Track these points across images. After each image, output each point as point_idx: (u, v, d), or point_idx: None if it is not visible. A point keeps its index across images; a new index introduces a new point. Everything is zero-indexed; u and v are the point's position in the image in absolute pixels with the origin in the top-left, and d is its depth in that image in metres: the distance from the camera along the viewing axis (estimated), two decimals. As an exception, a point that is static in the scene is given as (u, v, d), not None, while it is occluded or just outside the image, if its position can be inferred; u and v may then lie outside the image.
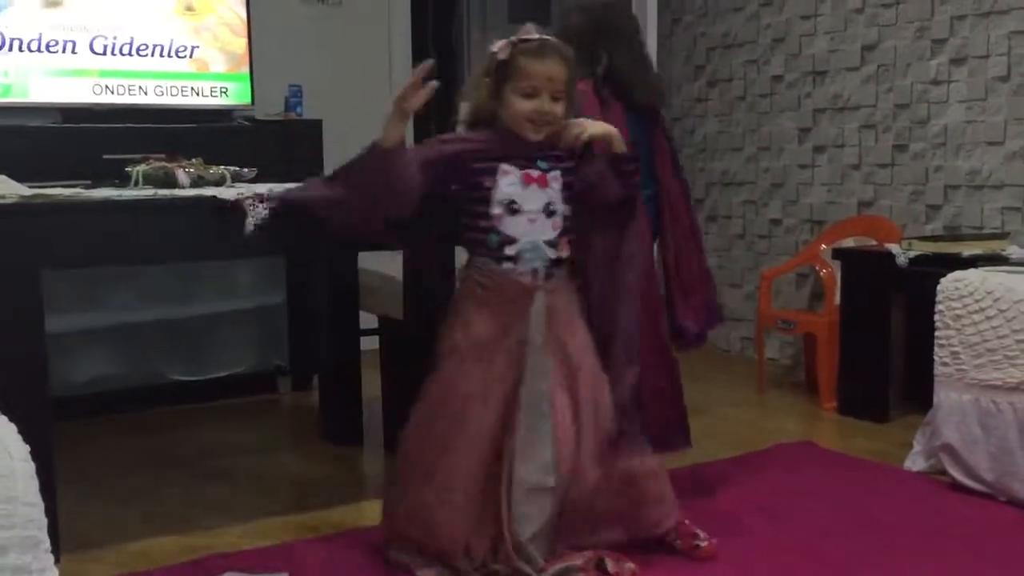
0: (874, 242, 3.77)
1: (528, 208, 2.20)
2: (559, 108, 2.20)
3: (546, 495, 2.19)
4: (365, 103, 4.09)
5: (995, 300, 2.70)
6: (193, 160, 2.72)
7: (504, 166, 2.20)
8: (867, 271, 3.54)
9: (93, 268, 3.38)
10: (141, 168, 2.62)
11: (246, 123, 4.04)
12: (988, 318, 2.70)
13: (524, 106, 2.18)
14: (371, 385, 3.40)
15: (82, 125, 3.68)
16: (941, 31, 3.80)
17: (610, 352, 2.32)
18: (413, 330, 2.84)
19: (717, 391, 4.02)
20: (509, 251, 2.20)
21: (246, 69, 4.08)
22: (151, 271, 3.72)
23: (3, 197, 2.26)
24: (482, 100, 2.25)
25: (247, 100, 4.09)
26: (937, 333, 2.83)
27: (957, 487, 2.75)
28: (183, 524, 2.61)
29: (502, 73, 2.19)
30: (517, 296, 2.21)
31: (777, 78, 4.46)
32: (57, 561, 1.55)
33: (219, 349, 3.89)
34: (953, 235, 3.66)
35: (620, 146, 2.28)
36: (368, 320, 3.36)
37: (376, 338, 3.37)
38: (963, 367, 2.75)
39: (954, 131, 3.78)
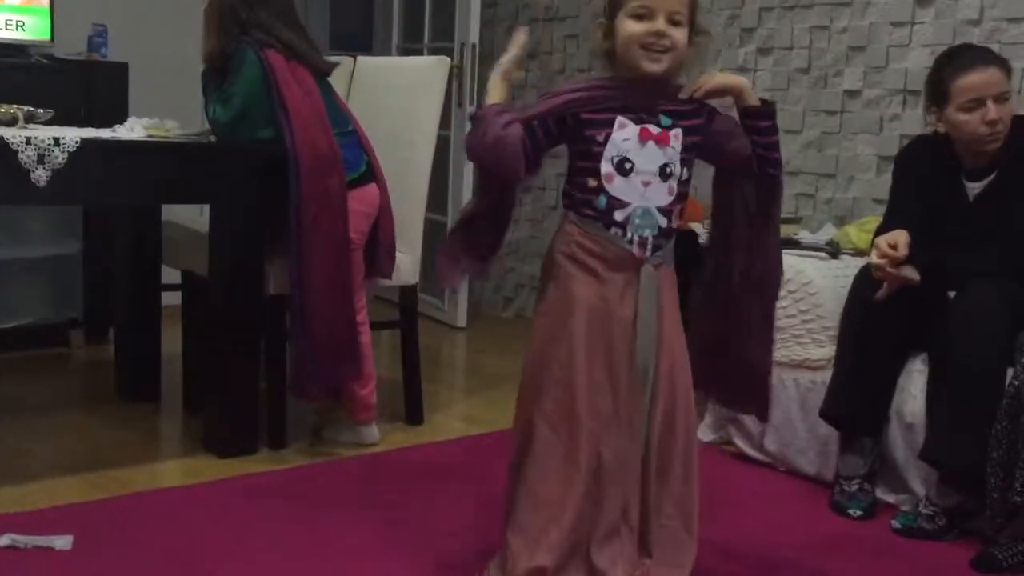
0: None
1: (643, 168, 1.91)
2: (678, 34, 1.88)
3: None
4: (172, 46, 3.92)
5: (786, 282, 2.84)
6: (-18, 97, 2.55)
7: (620, 118, 1.90)
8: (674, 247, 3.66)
9: None
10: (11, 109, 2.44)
11: (44, 61, 3.80)
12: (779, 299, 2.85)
13: (636, 28, 1.87)
14: (171, 343, 3.29)
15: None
16: (750, 21, 3.95)
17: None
18: (218, 287, 2.75)
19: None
20: (618, 216, 1.91)
21: (46, 3, 3.84)
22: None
23: None
24: (598, 43, 1.96)
25: (46, 36, 3.84)
26: (732, 310, 2.96)
27: (743, 457, 2.90)
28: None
29: (615, 4, 1.91)
30: (623, 264, 1.93)
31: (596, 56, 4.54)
32: None
33: (7, 299, 3.69)
34: (751, 217, 3.83)
35: (752, 98, 1.98)
36: (171, 276, 3.25)
37: (178, 294, 3.26)
38: (753, 344, 2.89)
39: (758, 118, 3.95)
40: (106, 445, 2.82)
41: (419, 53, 4.72)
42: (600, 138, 1.90)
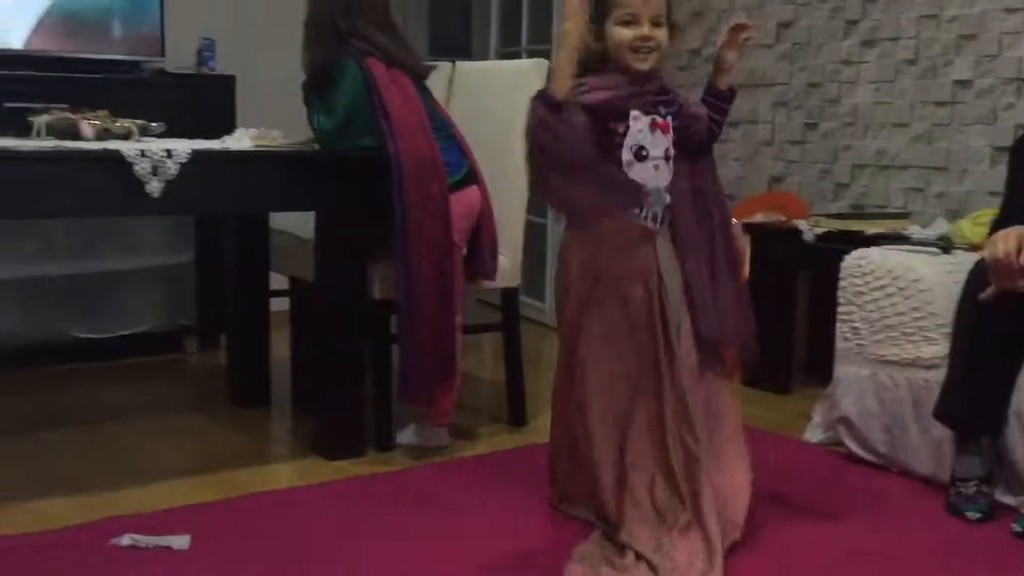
0: (783, 218, 3.84)
1: (654, 154, 2.22)
2: (661, 34, 2.20)
3: None
4: (279, 58, 4.00)
5: (894, 278, 2.78)
6: (99, 112, 2.65)
7: (634, 111, 2.20)
8: (775, 246, 3.61)
9: (-8, 220, 3.27)
10: (44, 119, 2.53)
11: (156, 75, 3.93)
12: (888, 295, 2.78)
13: (625, 34, 2.17)
14: (280, 347, 3.36)
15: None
16: (854, 12, 3.86)
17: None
18: (323, 292, 2.80)
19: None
20: None
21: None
22: (56, 225, 3.62)
23: None
24: (590, 44, 2.21)
25: (157, 52, 3.97)
26: (839, 309, 2.90)
27: (853, 458, 2.83)
28: (82, 485, 2.56)
29: (601, 8, 2.19)
30: (641, 239, 2.22)
31: (695, 52, 4.50)
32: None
33: (124, 307, 3.82)
34: (858, 213, 3.75)
35: (724, 83, 2.35)
36: (279, 282, 3.32)
37: (287, 300, 3.33)
38: (863, 342, 2.83)
39: (863, 111, 3.86)
40: (220, 448, 2.90)
41: (517, 56, 4.73)
42: (621, 129, 2.19)
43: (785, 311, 3.58)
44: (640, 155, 2.20)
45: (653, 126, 2.22)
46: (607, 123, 2.19)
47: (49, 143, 2.42)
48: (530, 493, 2.53)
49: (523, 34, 4.86)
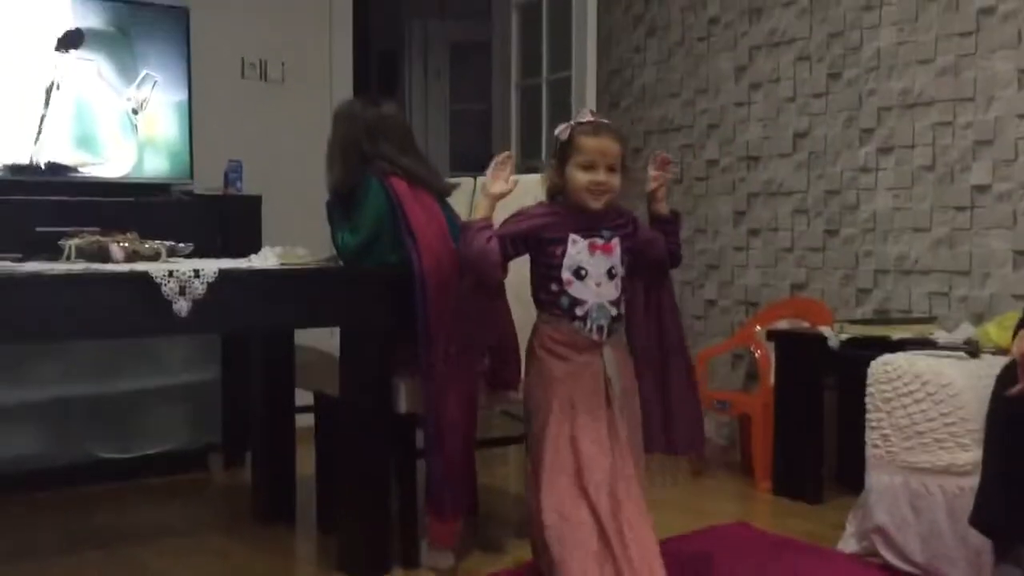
0: (807, 324, 3.84)
1: (594, 273, 2.48)
2: (614, 179, 2.49)
3: None
4: (304, 179, 4.09)
5: (923, 383, 2.75)
6: (128, 234, 2.70)
7: (573, 236, 2.48)
8: (800, 353, 3.59)
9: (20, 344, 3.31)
10: (74, 242, 2.59)
11: (184, 197, 4.02)
12: (917, 401, 2.75)
13: (583, 178, 2.46)
14: (305, 464, 3.35)
15: (15, 197, 3.63)
16: (869, 121, 3.92)
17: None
18: (348, 407, 2.80)
19: (653, 471, 4.02)
20: (579, 311, 2.48)
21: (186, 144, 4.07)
22: (80, 345, 3.65)
23: (-70, 269, 2.21)
24: (552, 179, 2.54)
25: (187, 175, 4.07)
26: (868, 415, 2.87)
27: (889, 569, 2.77)
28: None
29: (564, 152, 2.50)
30: (588, 348, 2.49)
31: (712, 162, 4.56)
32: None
33: (149, 426, 3.82)
34: (883, 319, 3.74)
35: (665, 209, 2.69)
36: (304, 398, 3.33)
37: (311, 416, 3.33)
38: (893, 449, 2.79)
39: (883, 217, 3.89)
40: (244, 568, 2.87)
41: (538, 170, 4.79)
42: (559, 252, 2.48)
43: (813, 419, 3.55)
44: (579, 274, 2.48)
45: (592, 248, 2.49)
46: (546, 248, 2.49)
47: (79, 266, 2.46)
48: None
49: (543, 147, 4.95)
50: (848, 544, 2.93)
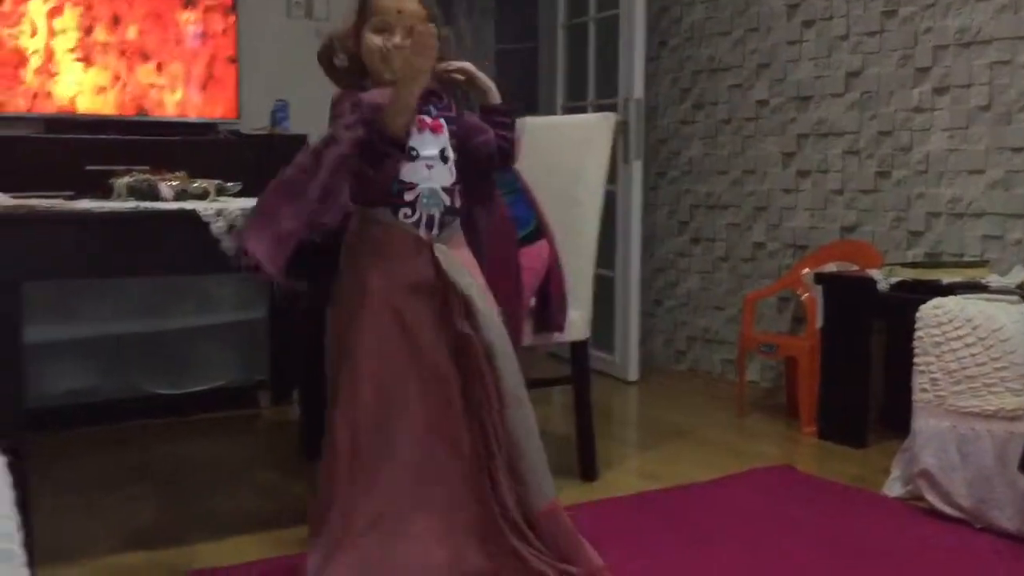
0: (856, 267, 3.79)
1: (425, 154, 2.13)
2: None
3: None
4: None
5: (974, 328, 2.72)
6: (177, 173, 2.72)
7: None
8: (848, 296, 3.56)
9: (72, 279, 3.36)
10: (124, 180, 2.61)
11: (232, 136, 4.04)
12: (967, 345, 2.72)
13: (375, 41, 2.12)
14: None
15: (65, 136, 3.67)
16: (924, 60, 3.83)
17: None
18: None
19: (698, 413, 4.03)
20: (408, 196, 2.10)
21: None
22: (131, 283, 3.70)
23: (-16, 207, 2.25)
24: (351, 50, 2.19)
25: (233, 114, 4.09)
26: (916, 360, 2.84)
27: (934, 513, 2.76)
28: (158, 539, 2.59)
29: (361, 17, 2.15)
30: (413, 251, 2.10)
31: (762, 103, 4.49)
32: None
33: (199, 363, 3.88)
34: (934, 262, 3.68)
35: (497, 98, 2.26)
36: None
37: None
38: (942, 393, 2.76)
39: (936, 159, 3.81)
40: (290, 504, 2.92)
41: (584, 111, 4.77)
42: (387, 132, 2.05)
43: (860, 362, 3.52)
44: (411, 154, 2.11)
45: (422, 125, 2.12)
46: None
47: (129, 204, 2.49)
48: (609, 548, 2.50)
49: (590, 89, 4.90)
50: (893, 488, 2.92)
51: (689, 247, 4.90)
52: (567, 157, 3.19)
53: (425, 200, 2.11)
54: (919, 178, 3.88)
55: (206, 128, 4.03)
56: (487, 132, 2.23)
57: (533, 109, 5.50)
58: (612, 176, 3.88)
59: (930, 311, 2.83)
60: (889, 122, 3.97)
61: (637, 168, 4.58)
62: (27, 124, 3.74)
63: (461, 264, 2.14)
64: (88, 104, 3.92)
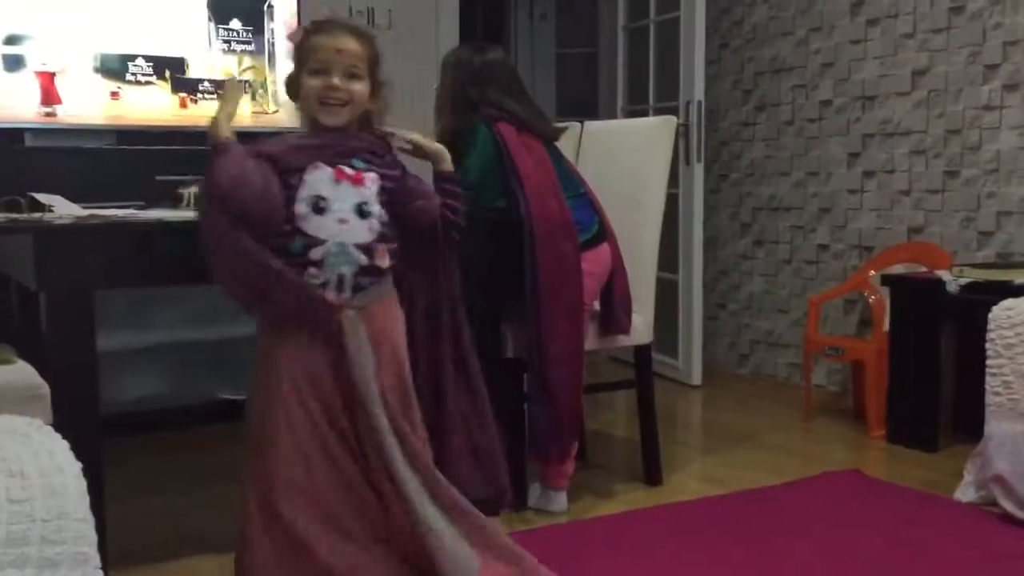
0: (924, 269, 3.73)
1: (337, 207, 1.96)
2: (357, 86, 2.01)
3: None
4: (412, 125, 4.12)
5: (1014, 324, 2.66)
6: (243, 182, 2.76)
7: (317, 163, 1.97)
8: (917, 298, 3.50)
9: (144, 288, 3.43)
10: (192, 190, 2.66)
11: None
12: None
13: (314, 84, 1.99)
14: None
15: (137, 147, 3.74)
16: (993, 56, 3.76)
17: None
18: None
19: (763, 418, 3.99)
20: (314, 255, 1.94)
21: (296, 92, 4.13)
22: (201, 290, 3.76)
23: (59, 218, 2.30)
24: (294, 97, 2.07)
25: (295, 123, 4.13)
26: (989, 362, 2.78)
27: (1009, 519, 2.70)
28: (228, 543, 2.63)
29: (299, 59, 2.04)
30: (320, 318, 1.96)
31: (826, 103, 4.44)
32: (105, 578, 1.57)
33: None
34: (1005, 262, 3.61)
35: (448, 166, 2.20)
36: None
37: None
38: (1015, 396, 2.71)
39: (1007, 157, 3.74)
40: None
41: (644, 114, 4.75)
42: (294, 182, 1.94)
43: (930, 365, 3.46)
44: (318, 207, 1.94)
45: (339, 176, 1.96)
46: (282, 178, 1.95)
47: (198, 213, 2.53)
48: (675, 553, 2.49)
49: (650, 92, 4.88)
50: (966, 493, 2.87)
51: (752, 250, 4.86)
52: (629, 161, 3.19)
53: (332, 258, 1.95)
54: (989, 177, 3.80)
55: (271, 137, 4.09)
56: (431, 199, 2.12)
57: (593, 113, 5.50)
58: (674, 179, 3.86)
59: (1002, 312, 2.78)
60: (957, 120, 3.90)
61: (699, 171, 4.56)
62: (98, 136, 3.82)
63: (366, 340, 1.98)
64: (158, 115, 4.00)
